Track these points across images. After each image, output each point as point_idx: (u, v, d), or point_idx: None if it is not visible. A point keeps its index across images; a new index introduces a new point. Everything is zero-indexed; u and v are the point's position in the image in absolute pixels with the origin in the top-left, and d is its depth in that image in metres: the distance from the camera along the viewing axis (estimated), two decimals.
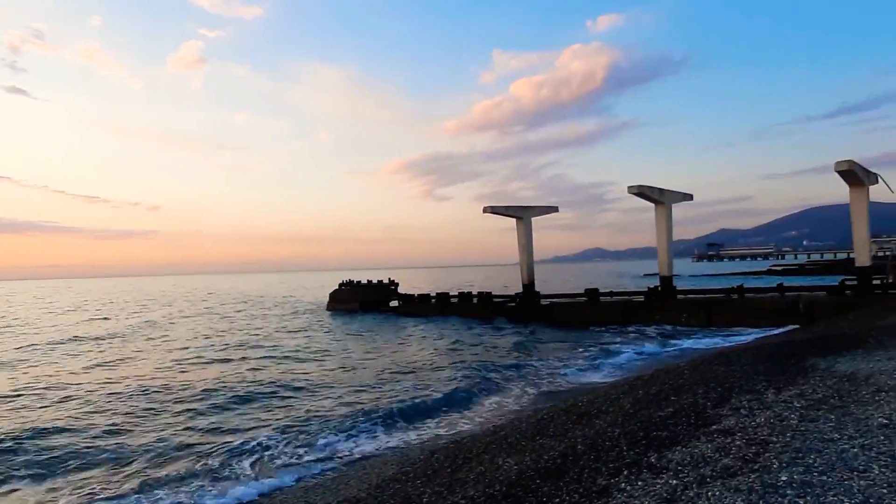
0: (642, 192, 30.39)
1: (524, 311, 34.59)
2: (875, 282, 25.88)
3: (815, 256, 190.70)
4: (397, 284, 46.97)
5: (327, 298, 50.80)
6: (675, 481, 5.55)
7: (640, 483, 5.73)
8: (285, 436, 11.75)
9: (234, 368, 21.25)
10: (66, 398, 16.50)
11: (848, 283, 26.10)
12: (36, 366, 23.01)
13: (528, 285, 35.74)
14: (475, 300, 38.75)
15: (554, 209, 38.76)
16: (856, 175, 24.06)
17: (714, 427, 7.43)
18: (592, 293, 33.75)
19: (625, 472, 6.13)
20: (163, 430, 12.89)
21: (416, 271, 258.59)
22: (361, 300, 45.07)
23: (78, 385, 18.24)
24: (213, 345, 28.21)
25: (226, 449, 11.18)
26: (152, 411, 14.84)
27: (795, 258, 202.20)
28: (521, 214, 36.32)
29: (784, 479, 5.11)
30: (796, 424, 6.90)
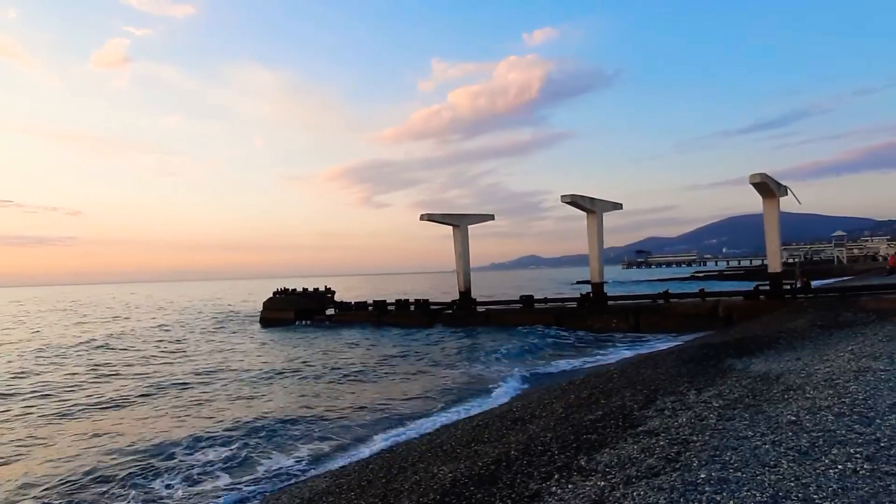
0: (575, 200, 31.34)
1: (461, 317, 34.86)
2: (785, 287, 27.77)
3: (734, 263, 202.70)
4: (334, 292, 46.19)
5: (260, 308, 49.33)
6: (602, 483, 5.72)
7: (570, 486, 5.87)
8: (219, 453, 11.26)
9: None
10: None
11: (761, 288, 27.87)
12: None
13: (465, 293, 36.04)
14: (413, 307, 38.70)
15: (490, 217, 39.32)
16: (768, 187, 25.77)
17: (640, 428, 7.72)
18: (527, 300, 34.41)
19: (556, 476, 6.26)
20: None
21: (354, 278, 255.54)
22: (296, 309, 43.98)
23: None
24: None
25: (144, 470, 10.59)
26: None
27: (716, 265, 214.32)
28: (458, 222, 36.61)
29: (703, 476, 5.37)
30: (714, 423, 7.28)
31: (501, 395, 15.33)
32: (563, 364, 20.23)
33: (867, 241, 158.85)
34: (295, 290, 47.66)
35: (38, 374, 22.59)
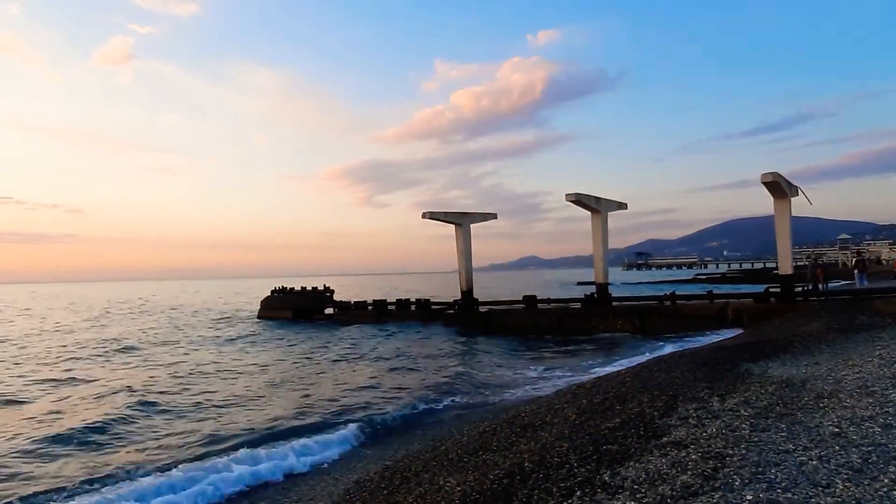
0: (580, 199, 30.74)
1: (463, 318, 34.23)
2: (797, 289, 27.15)
3: (735, 266, 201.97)
4: (333, 291, 45.55)
5: (258, 307, 48.73)
6: (632, 503, 5.10)
7: None
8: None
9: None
10: None
11: (772, 290, 27.24)
12: None
13: (467, 292, 35.42)
14: (413, 307, 38.10)
15: (493, 216, 38.71)
16: (780, 187, 25.15)
17: (665, 439, 7.10)
18: (530, 300, 33.79)
19: (578, 493, 5.63)
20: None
21: (353, 278, 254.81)
22: (294, 308, 43.34)
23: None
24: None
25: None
26: None
27: (717, 267, 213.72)
28: (461, 221, 36.00)
29: (749, 497, 4.74)
30: (748, 435, 6.65)
31: (506, 398, 14.71)
32: (568, 365, 19.64)
33: (869, 244, 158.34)
34: (293, 289, 47.03)
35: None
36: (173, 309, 66.05)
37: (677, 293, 30.98)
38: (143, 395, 16.16)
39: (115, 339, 33.82)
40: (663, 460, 6.17)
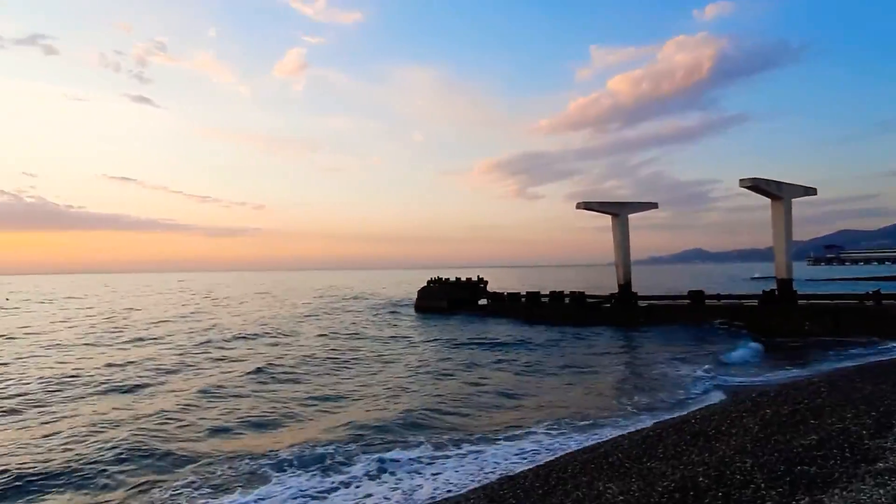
0: (757, 185, 27.40)
1: (620, 312, 32.47)
2: None
3: None
4: (486, 283, 45.91)
5: (415, 296, 50.64)
6: None
7: None
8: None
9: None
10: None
11: None
12: None
13: (625, 285, 33.57)
14: (567, 300, 36.93)
15: (653, 205, 36.23)
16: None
17: (880, 465, 5.89)
18: (697, 295, 31.07)
19: None
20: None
21: (505, 270, 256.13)
22: (450, 298, 44.36)
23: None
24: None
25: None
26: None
27: None
28: (618, 211, 34.19)
29: None
30: None
31: (674, 402, 13.51)
32: (741, 368, 17.61)
33: None
34: (448, 279, 48.17)
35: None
36: (372, 295, 69.43)
37: (882, 292, 26.42)
38: None
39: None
40: (881, 491, 5.08)
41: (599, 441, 9.92)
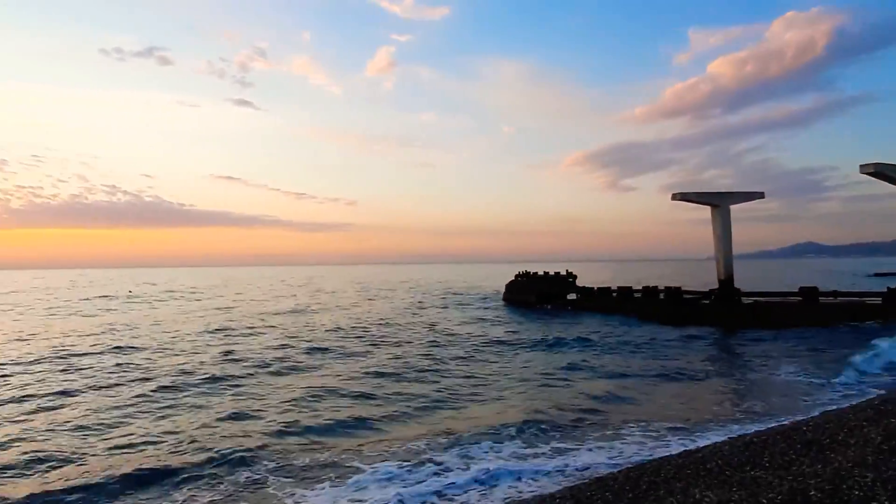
0: (881, 171, 24.75)
1: (721, 310, 30.49)
2: None
3: None
4: (575, 277, 44.87)
5: (503, 289, 50.55)
6: None
7: None
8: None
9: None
10: None
11: None
12: None
13: (726, 281, 31.49)
14: (661, 296, 35.21)
15: (759, 195, 33.68)
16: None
17: None
18: (810, 292, 28.62)
19: None
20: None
21: (595, 264, 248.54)
22: (538, 292, 43.80)
23: None
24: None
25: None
26: None
27: None
28: (718, 202, 32.10)
29: None
30: None
31: (783, 409, 12.52)
32: (861, 373, 16.00)
33: None
34: (536, 273, 47.66)
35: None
36: (473, 289, 69.09)
37: None
38: None
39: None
40: None
41: (697, 446, 9.38)
